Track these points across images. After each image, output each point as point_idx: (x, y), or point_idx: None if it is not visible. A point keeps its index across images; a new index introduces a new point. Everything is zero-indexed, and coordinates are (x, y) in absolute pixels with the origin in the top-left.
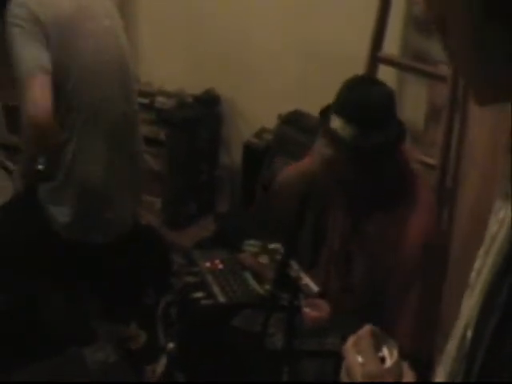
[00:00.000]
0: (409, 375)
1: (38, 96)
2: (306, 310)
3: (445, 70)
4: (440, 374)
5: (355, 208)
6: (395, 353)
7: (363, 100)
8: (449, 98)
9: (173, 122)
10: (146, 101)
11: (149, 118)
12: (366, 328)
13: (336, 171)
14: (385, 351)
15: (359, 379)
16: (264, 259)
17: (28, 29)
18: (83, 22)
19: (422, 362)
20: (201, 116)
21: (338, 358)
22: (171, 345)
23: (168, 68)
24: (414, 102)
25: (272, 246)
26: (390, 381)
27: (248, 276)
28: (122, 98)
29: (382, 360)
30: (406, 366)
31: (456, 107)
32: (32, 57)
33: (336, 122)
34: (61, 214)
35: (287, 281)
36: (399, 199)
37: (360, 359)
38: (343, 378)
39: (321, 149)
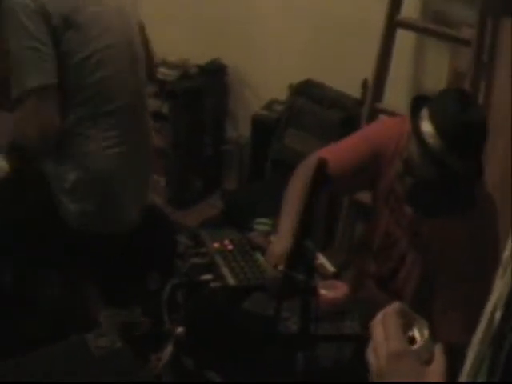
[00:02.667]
0: (440, 359)
1: (48, 114)
2: (322, 291)
3: (468, 32)
4: (468, 359)
5: (418, 205)
6: (426, 333)
7: (464, 123)
8: (473, 62)
9: (176, 94)
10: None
11: (151, 91)
12: (395, 305)
13: (413, 169)
14: (415, 331)
15: (384, 358)
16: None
17: (33, 29)
18: (86, 6)
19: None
20: (206, 87)
21: (355, 341)
22: (180, 329)
23: (170, 37)
24: (435, 68)
25: None
26: (417, 362)
27: (259, 256)
28: (132, 78)
29: (412, 340)
30: (437, 348)
31: (481, 72)
32: (38, 71)
33: (427, 128)
34: (76, 208)
35: (302, 261)
36: (462, 210)
37: (387, 337)
38: (369, 356)
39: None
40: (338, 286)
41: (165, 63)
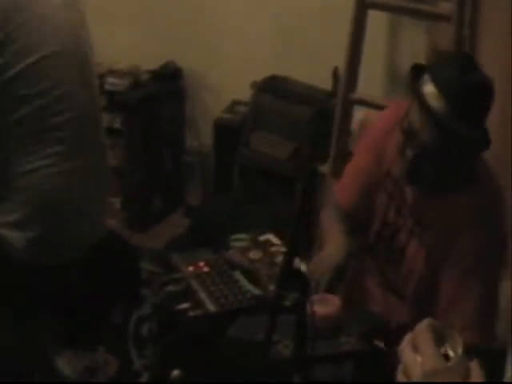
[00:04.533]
0: (477, 374)
1: None
2: (315, 307)
3: (447, 7)
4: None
5: (419, 180)
6: (459, 349)
7: (468, 83)
8: (454, 38)
9: (128, 105)
10: None
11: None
12: (424, 322)
13: (415, 138)
14: (448, 347)
15: (420, 378)
16: (255, 254)
17: None
18: (31, 6)
19: (492, 352)
20: (161, 94)
21: (355, 358)
22: (176, 372)
23: (117, 42)
24: (411, 49)
25: (263, 237)
26: (455, 380)
27: (239, 276)
28: (82, 90)
29: (446, 357)
30: (474, 363)
31: (463, 48)
32: None
33: (430, 89)
34: (17, 239)
35: (295, 277)
36: (465, 185)
37: (419, 358)
38: (399, 380)
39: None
40: (329, 300)
41: (112, 72)
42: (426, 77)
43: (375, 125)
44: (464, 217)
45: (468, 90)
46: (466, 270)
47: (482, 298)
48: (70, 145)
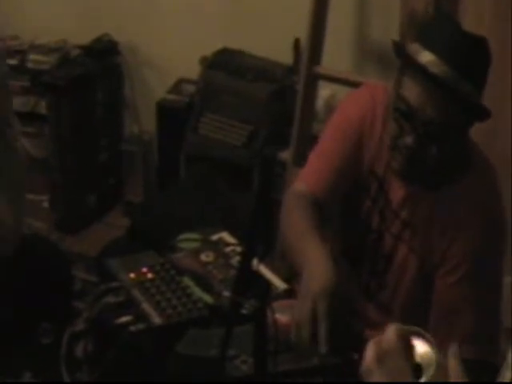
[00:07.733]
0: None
1: None
2: (277, 315)
3: None
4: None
5: (419, 170)
6: (431, 354)
7: (469, 42)
8: (433, 3)
9: (55, 85)
10: (13, 62)
11: (20, 85)
12: (391, 329)
13: (417, 117)
14: (417, 355)
15: None
16: (207, 256)
17: None
18: None
19: (493, 364)
20: (94, 73)
21: (324, 373)
22: None
23: (42, 13)
24: (384, 9)
25: (215, 236)
26: None
27: (189, 282)
28: None
29: (418, 369)
30: (454, 367)
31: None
32: None
33: (427, 57)
34: None
35: (253, 281)
36: (462, 172)
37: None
38: None
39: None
40: (293, 306)
41: (35, 47)
42: (416, 46)
43: (348, 112)
44: (462, 211)
45: (470, 50)
46: (465, 276)
47: (482, 308)
48: None
